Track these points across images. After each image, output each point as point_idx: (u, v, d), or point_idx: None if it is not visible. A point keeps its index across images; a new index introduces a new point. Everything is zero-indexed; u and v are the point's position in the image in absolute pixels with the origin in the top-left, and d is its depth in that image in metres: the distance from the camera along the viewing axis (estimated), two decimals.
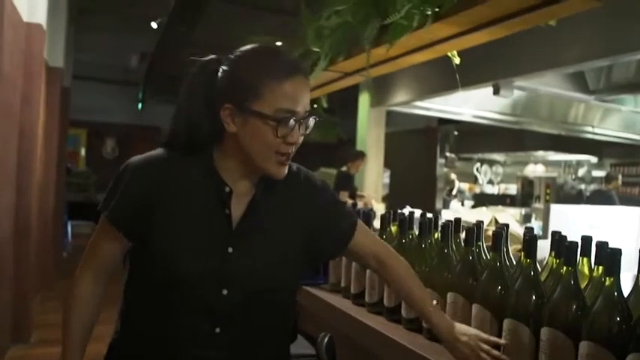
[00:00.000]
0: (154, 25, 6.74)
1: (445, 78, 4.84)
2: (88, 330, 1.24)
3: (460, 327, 1.31)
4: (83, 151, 12.43)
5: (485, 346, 1.24)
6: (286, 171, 1.22)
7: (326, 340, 1.39)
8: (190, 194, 1.20)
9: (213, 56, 1.24)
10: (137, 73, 10.46)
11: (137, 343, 1.24)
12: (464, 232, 1.49)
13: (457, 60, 2.58)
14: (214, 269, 1.17)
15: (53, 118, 5.47)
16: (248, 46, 1.22)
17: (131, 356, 1.25)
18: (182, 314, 1.18)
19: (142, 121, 12.09)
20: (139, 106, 11.90)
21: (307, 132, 1.22)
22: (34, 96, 4.08)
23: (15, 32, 3.44)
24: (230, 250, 1.19)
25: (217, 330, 1.18)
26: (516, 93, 5.85)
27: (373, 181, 6.88)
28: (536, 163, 10.39)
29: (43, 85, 4.55)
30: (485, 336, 1.26)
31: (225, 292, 1.17)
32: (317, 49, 3.11)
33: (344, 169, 6.67)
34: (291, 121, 1.15)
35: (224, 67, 1.20)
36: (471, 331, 1.28)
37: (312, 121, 1.21)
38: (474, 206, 8.80)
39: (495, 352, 1.23)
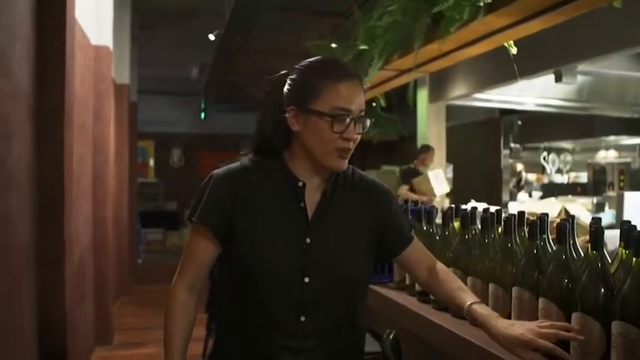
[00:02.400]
0: (211, 36, 6.94)
1: (503, 68, 4.69)
2: (187, 337, 1.35)
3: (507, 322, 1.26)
4: (152, 162, 12.95)
5: (545, 330, 1.17)
6: (346, 164, 1.33)
7: (391, 336, 1.41)
8: (268, 194, 1.34)
9: (282, 72, 1.39)
10: (198, 84, 10.80)
11: (229, 344, 1.35)
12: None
13: (514, 50, 2.52)
14: (296, 259, 1.29)
15: (122, 132, 5.76)
16: (311, 58, 1.37)
17: (225, 353, 1.37)
18: (269, 306, 1.29)
19: (205, 129, 12.46)
20: (202, 115, 12.26)
21: (364, 131, 1.32)
22: (104, 113, 4.32)
23: (85, 56, 3.66)
24: (308, 240, 1.31)
25: (303, 319, 1.29)
26: (581, 77, 5.60)
27: None
28: (607, 148, 9.86)
29: (111, 101, 4.81)
30: (547, 323, 1.20)
31: (307, 279, 1.29)
32: (371, 49, 3.12)
33: (412, 165, 6.52)
34: (346, 119, 1.27)
35: (290, 77, 1.35)
36: (526, 324, 1.22)
37: (367, 122, 1.32)
38: (542, 197, 8.49)
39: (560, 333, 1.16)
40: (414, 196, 6.04)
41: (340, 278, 1.33)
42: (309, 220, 1.33)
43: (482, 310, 1.30)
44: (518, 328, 1.21)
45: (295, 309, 1.29)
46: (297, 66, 1.36)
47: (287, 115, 1.31)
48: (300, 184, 1.34)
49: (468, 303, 1.32)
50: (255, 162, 1.38)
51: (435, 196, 6.24)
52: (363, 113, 1.31)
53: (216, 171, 1.37)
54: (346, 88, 1.28)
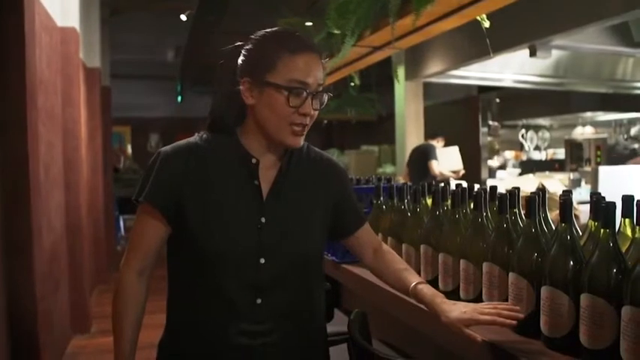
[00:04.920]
0: (183, 17, 6.79)
1: (478, 44, 4.67)
2: (138, 322, 1.29)
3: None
4: (129, 148, 12.76)
5: (485, 309, 1.18)
6: (302, 141, 1.27)
7: (358, 316, 1.39)
8: (221, 172, 1.27)
9: (237, 44, 1.31)
10: (175, 68, 10.63)
11: (184, 330, 1.28)
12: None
13: (487, 24, 2.48)
14: (250, 239, 1.24)
15: (95, 116, 5.62)
16: (268, 29, 1.30)
17: (180, 343, 1.29)
18: (224, 289, 1.23)
19: (182, 113, 12.33)
20: (179, 98, 12.11)
21: (321, 107, 1.27)
22: (73, 97, 4.19)
23: (50, 37, 3.54)
24: (263, 220, 1.26)
25: (259, 301, 1.24)
26: (558, 53, 5.60)
27: None
28: (584, 124, 9.97)
29: (82, 85, 4.68)
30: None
31: (262, 261, 1.24)
32: (342, 26, 3.06)
33: (433, 142, 6.37)
34: (303, 93, 1.21)
35: (245, 47, 1.27)
36: (470, 305, 1.23)
37: (325, 97, 1.27)
38: (521, 174, 8.57)
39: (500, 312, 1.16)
40: (449, 174, 5.98)
41: (297, 258, 1.28)
42: (263, 199, 1.27)
43: (427, 290, 1.30)
44: (462, 307, 1.22)
45: (251, 291, 1.23)
46: (252, 36, 1.28)
47: (241, 87, 1.24)
48: (254, 161, 1.27)
49: (413, 283, 1.32)
50: (206, 139, 1.30)
51: (459, 172, 6.18)
52: (320, 88, 1.25)
53: (163, 148, 1.30)
54: (303, 60, 1.22)
